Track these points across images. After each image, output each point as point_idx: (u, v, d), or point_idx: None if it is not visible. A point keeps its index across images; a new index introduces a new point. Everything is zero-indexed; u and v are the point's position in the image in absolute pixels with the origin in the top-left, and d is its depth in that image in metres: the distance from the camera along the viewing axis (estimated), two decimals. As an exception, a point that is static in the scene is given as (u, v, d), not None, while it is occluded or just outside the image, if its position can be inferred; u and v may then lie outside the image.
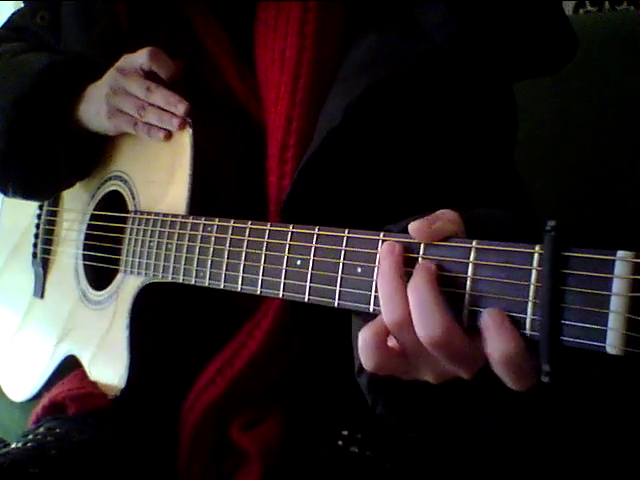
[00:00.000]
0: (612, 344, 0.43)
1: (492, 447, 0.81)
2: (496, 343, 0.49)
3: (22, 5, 1.10)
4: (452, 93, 0.76)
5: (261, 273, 0.69)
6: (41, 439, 0.83)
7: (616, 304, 0.43)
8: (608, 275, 0.43)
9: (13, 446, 0.83)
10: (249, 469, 0.81)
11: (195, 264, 0.77)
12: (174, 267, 0.80)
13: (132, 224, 0.89)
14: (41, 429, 0.86)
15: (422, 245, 0.55)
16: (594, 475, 0.90)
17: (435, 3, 0.72)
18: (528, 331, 0.47)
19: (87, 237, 0.99)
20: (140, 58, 0.85)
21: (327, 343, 0.80)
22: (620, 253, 0.43)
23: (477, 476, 0.84)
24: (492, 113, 0.80)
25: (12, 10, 1.09)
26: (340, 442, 0.80)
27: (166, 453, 0.85)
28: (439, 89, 0.75)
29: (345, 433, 0.81)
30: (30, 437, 0.84)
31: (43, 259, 1.08)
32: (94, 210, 0.99)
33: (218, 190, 0.83)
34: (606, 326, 0.43)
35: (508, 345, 0.48)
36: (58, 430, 0.85)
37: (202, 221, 0.77)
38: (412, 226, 0.55)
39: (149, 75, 0.86)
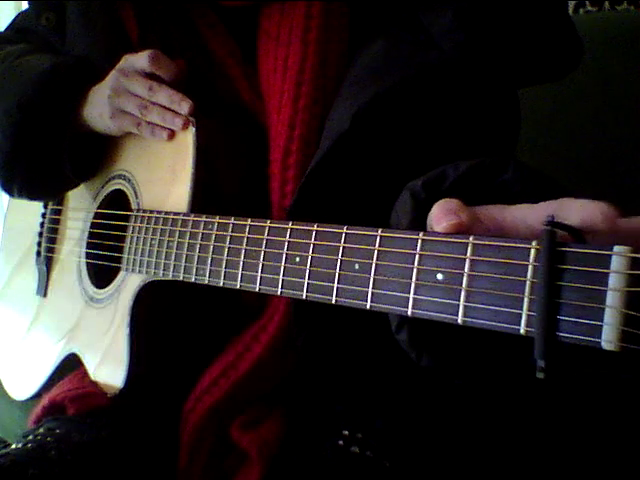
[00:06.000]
0: (608, 340, 0.43)
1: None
2: None
3: (24, 5, 1.10)
4: (458, 98, 0.76)
5: (260, 270, 0.69)
6: (41, 440, 0.83)
7: (612, 299, 0.43)
8: (605, 270, 0.43)
9: (13, 447, 0.83)
10: (249, 469, 0.81)
11: (195, 262, 0.77)
12: (174, 265, 0.80)
13: (134, 222, 0.89)
14: (41, 430, 0.86)
15: (420, 241, 0.55)
16: (593, 475, 0.90)
17: (442, 11, 0.72)
18: (523, 327, 0.47)
19: (90, 235, 0.99)
20: (140, 61, 0.86)
21: (329, 344, 0.80)
22: (617, 248, 0.43)
23: (477, 476, 0.84)
24: (497, 117, 0.80)
25: (13, 10, 1.10)
26: (340, 442, 0.80)
27: (166, 453, 0.85)
28: (446, 95, 0.75)
29: (346, 433, 0.81)
30: (30, 438, 0.84)
31: (47, 257, 1.09)
32: (98, 208, 0.99)
33: (220, 191, 0.84)
34: (602, 322, 0.43)
35: None
36: (58, 431, 0.85)
37: (203, 219, 0.77)
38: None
39: (151, 76, 0.86)
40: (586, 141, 1.17)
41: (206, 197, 0.81)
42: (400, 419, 0.82)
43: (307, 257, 0.64)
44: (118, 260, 0.91)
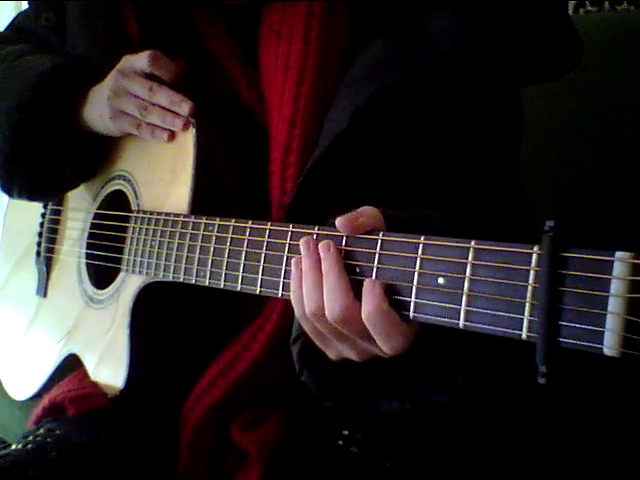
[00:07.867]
0: (610, 346, 0.43)
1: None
2: (364, 304, 0.58)
3: (24, 5, 1.10)
4: (458, 98, 0.76)
5: (261, 272, 0.69)
6: (41, 440, 0.83)
7: (614, 305, 0.43)
8: (606, 276, 0.43)
9: (13, 447, 0.83)
10: (249, 469, 0.81)
11: (196, 263, 0.77)
12: (175, 266, 0.80)
13: (134, 223, 0.89)
14: (41, 430, 0.86)
15: (421, 245, 0.55)
16: (593, 475, 0.90)
17: (441, 11, 0.72)
18: (525, 332, 0.47)
19: (90, 236, 0.99)
20: (140, 61, 0.85)
21: None
22: (619, 254, 0.43)
23: (477, 476, 0.84)
24: (498, 118, 0.80)
25: (13, 10, 1.09)
26: (340, 442, 0.80)
27: (166, 454, 0.85)
28: (445, 94, 0.75)
29: (345, 433, 0.81)
30: (30, 438, 0.84)
31: (46, 258, 1.08)
32: (98, 209, 0.99)
33: (220, 191, 0.83)
34: (604, 327, 0.43)
35: (368, 304, 0.57)
36: (58, 431, 0.85)
37: (203, 220, 0.77)
38: (338, 222, 0.61)
39: (151, 77, 0.86)
40: (586, 141, 1.17)
41: (206, 198, 0.81)
42: (400, 419, 0.82)
43: (308, 260, 0.64)
44: (118, 261, 0.91)
